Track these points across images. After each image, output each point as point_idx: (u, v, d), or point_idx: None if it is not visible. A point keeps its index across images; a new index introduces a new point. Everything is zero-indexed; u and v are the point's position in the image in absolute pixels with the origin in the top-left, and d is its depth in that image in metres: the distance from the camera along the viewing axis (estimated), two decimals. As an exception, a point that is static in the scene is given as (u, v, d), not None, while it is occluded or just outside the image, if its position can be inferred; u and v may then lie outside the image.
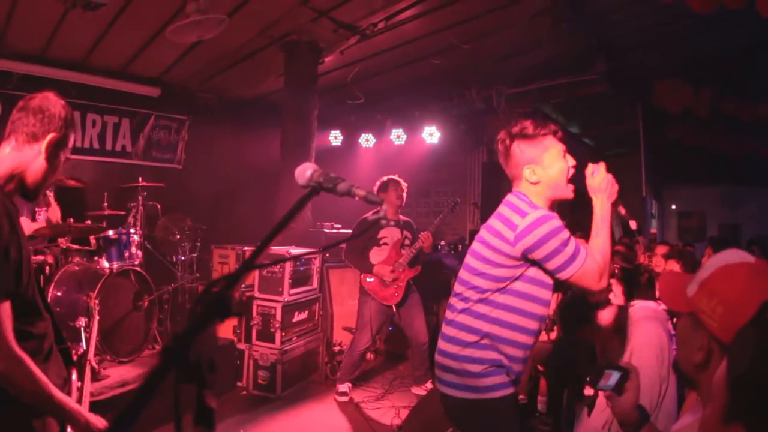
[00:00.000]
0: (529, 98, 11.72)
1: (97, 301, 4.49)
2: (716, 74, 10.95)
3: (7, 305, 2.42)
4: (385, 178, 7.97)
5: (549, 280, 3.45)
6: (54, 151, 2.72)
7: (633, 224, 3.80)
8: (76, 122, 10.05)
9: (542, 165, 3.48)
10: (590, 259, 3.32)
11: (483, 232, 3.53)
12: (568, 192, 3.55)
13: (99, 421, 2.70)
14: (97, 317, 4.27)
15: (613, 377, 2.77)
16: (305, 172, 1.83)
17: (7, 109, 8.91)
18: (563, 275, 3.30)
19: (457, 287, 3.59)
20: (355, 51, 9.73)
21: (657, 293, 3.22)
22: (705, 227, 17.31)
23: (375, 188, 7.90)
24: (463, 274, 3.58)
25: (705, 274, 2.04)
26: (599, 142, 17.23)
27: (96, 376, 3.27)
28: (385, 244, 7.91)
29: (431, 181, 13.29)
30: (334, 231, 10.04)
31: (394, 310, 7.84)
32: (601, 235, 3.47)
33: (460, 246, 11.44)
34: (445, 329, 3.62)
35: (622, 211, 3.63)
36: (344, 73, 10.70)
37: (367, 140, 13.40)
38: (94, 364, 3.32)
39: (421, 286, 8.17)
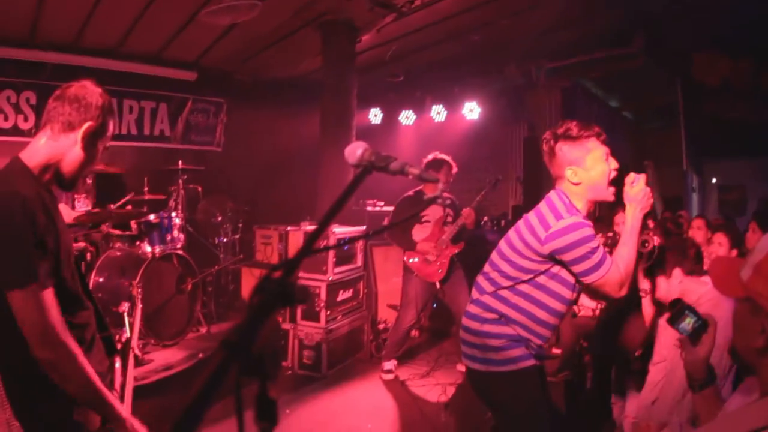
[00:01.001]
0: (569, 72, 11.59)
1: (139, 289, 4.46)
2: (755, 45, 10.76)
3: (50, 293, 2.41)
4: (439, 156, 7.89)
5: (572, 279, 3.57)
6: (91, 140, 2.68)
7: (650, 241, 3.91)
8: (114, 109, 9.95)
9: (584, 167, 3.55)
10: (614, 269, 3.42)
11: (520, 223, 3.67)
12: (608, 195, 3.63)
13: (137, 423, 2.66)
14: (140, 305, 4.26)
15: (691, 322, 2.73)
16: (356, 151, 1.78)
17: (41, 100, 8.99)
18: (586, 280, 3.44)
19: (487, 267, 3.79)
20: (393, 29, 9.64)
21: (709, 277, 3.16)
22: (745, 201, 17.05)
23: (424, 165, 7.85)
24: (494, 256, 3.78)
25: (759, 256, 1.98)
26: (639, 115, 17.06)
27: (139, 362, 3.25)
28: (427, 221, 7.85)
29: (473, 158, 13.16)
30: (377, 209, 9.99)
31: (438, 286, 7.80)
32: (628, 245, 3.54)
33: (503, 221, 11.36)
34: (469, 307, 3.80)
35: (651, 224, 3.75)
36: (382, 51, 10.63)
37: (407, 117, 13.32)
38: (137, 351, 3.31)
39: (465, 262, 8.11)
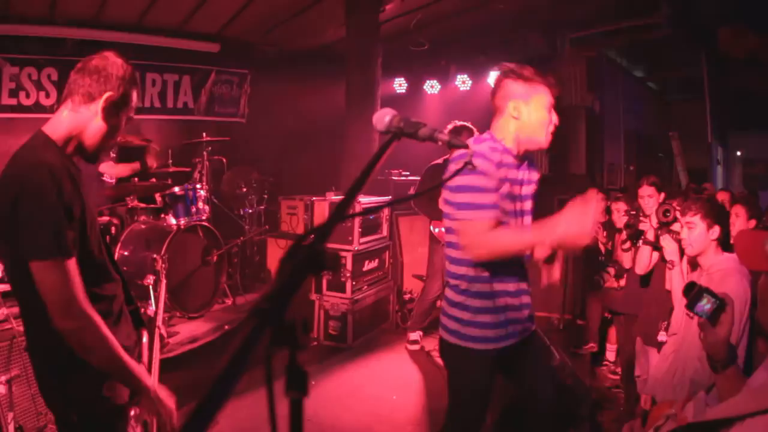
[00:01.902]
0: (593, 42, 11.52)
1: (165, 264, 4.46)
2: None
3: (73, 263, 2.41)
4: (459, 123, 7.83)
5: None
6: (112, 111, 2.65)
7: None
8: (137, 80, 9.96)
9: (527, 105, 3.42)
10: (492, 236, 3.23)
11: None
12: (543, 141, 3.51)
13: (165, 393, 2.71)
14: (164, 280, 4.26)
15: (710, 304, 2.70)
16: (384, 117, 1.76)
17: (63, 76, 9.01)
18: (455, 225, 3.38)
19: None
20: (417, -3, 9.59)
21: (734, 251, 3.11)
22: (771, 174, 16.95)
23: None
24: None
25: None
26: (663, 86, 16.94)
27: (163, 343, 3.25)
28: (453, 190, 7.80)
29: (497, 127, 13.15)
30: (402, 178, 9.95)
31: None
32: (528, 240, 3.37)
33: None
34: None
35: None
36: (406, 20, 10.57)
37: (432, 87, 13.26)
38: (162, 331, 3.32)
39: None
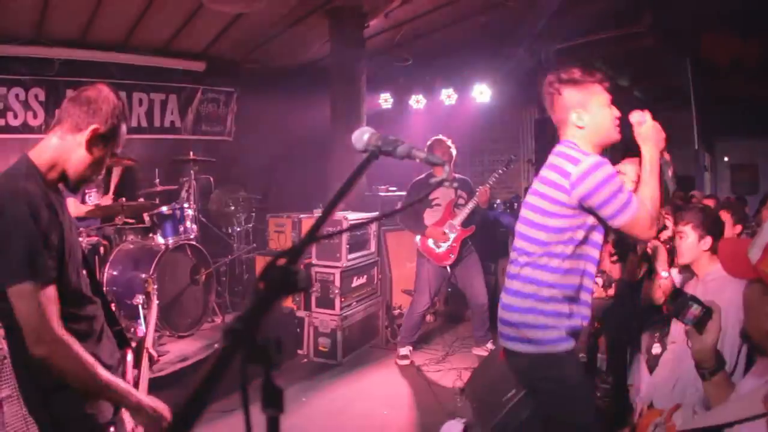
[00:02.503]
0: (578, 53, 11.54)
1: (155, 287, 4.46)
2: (765, 25, 10.69)
3: (50, 290, 2.44)
4: (436, 138, 7.89)
5: (599, 240, 3.44)
6: (96, 143, 2.69)
7: (670, 172, 3.74)
8: (127, 115, 10.02)
9: (589, 110, 3.44)
10: (642, 208, 3.27)
11: (537, 184, 3.50)
12: (615, 134, 3.53)
13: (153, 402, 2.70)
14: (155, 301, 4.26)
15: (695, 312, 2.72)
16: (362, 136, 1.77)
17: (50, 96, 9.02)
18: (616, 222, 3.27)
19: (517, 242, 3.58)
20: (400, 13, 9.61)
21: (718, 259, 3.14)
22: (757, 180, 17.00)
23: (426, 149, 7.81)
24: (521, 228, 3.56)
25: (767, 237, 1.97)
26: (649, 94, 17.01)
27: (152, 362, 3.28)
28: (438, 204, 7.84)
29: (484, 140, 13.17)
30: (390, 194, 9.97)
31: (450, 271, 7.80)
32: (650, 183, 3.41)
33: (515, 204, 11.36)
34: (509, 283, 3.60)
35: (667, 156, 3.61)
36: (391, 35, 10.61)
37: (417, 101, 13.21)
38: (152, 351, 3.35)
39: (479, 246, 8.12)
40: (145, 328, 3.57)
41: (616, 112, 3.51)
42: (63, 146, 2.65)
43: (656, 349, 4.78)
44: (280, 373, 1.05)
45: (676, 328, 4.32)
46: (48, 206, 2.50)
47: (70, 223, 2.70)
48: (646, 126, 3.49)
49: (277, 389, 1.03)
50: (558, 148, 3.51)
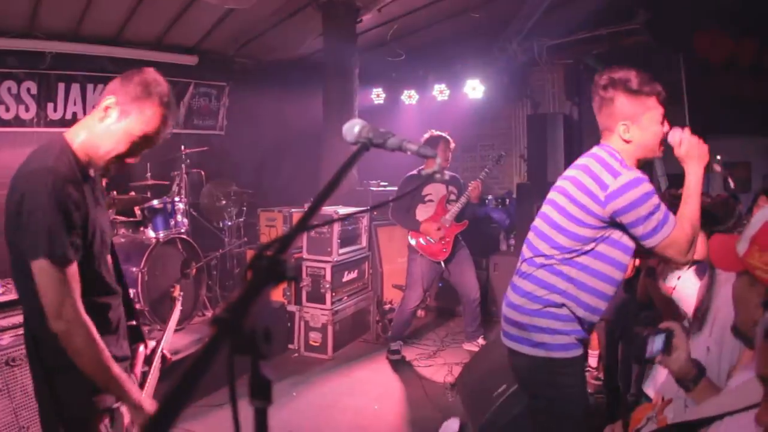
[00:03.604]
0: (571, 49, 11.54)
1: (181, 293, 4.44)
2: (758, 23, 10.70)
3: (72, 268, 2.51)
4: (435, 133, 7.88)
5: (632, 244, 3.33)
6: (121, 117, 2.70)
7: (731, 182, 3.72)
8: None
9: (639, 125, 3.30)
10: (678, 229, 3.17)
11: (567, 185, 3.37)
12: (658, 153, 3.41)
13: (150, 405, 2.71)
14: (179, 307, 4.21)
15: (658, 341, 2.73)
16: (353, 128, 1.76)
17: (42, 89, 8.97)
18: (649, 243, 3.17)
19: (536, 241, 3.49)
20: (393, 8, 9.59)
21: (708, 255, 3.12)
22: (750, 178, 17.05)
23: (422, 142, 7.80)
24: (543, 227, 3.47)
25: (753, 230, 2.00)
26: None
27: (165, 362, 3.30)
28: (431, 200, 7.85)
29: (476, 136, 13.14)
30: (381, 189, 9.96)
31: (443, 266, 7.80)
32: (691, 203, 3.30)
33: (507, 200, 11.36)
34: (520, 282, 3.50)
35: (718, 168, 3.55)
36: (383, 30, 10.59)
37: (410, 97, 13.20)
38: (166, 352, 3.37)
39: (470, 241, 8.13)
40: (163, 330, 3.57)
41: (667, 127, 3.40)
42: (99, 130, 2.69)
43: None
44: (269, 365, 1.04)
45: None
46: (76, 186, 2.58)
47: (101, 206, 2.81)
48: (686, 144, 3.38)
49: (265, 380, 1.02)
50: (598, 151, 3.37)
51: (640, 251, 3.48)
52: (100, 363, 2.55)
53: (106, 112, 2.67)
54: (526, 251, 3.55)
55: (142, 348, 3.06)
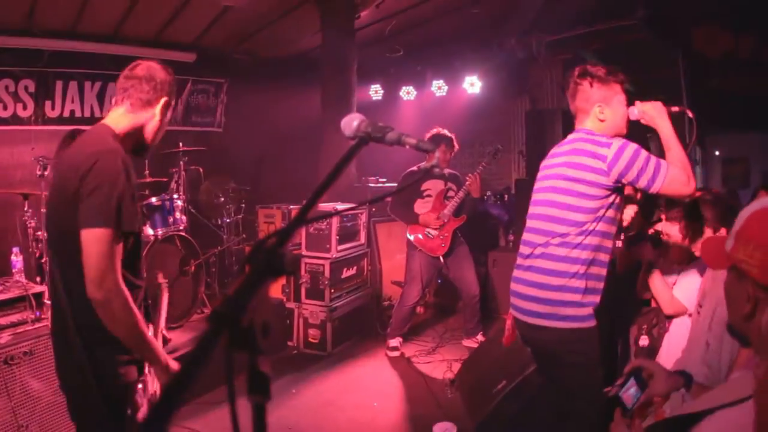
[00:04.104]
0: (569, 45, 11.53)
1: (166, 280, 4.55)
2: (757, 19, 10.70)
3: (120, 245, 2.72)
4: (441, 132, 7.88)
5: (615, 215, 3.74)
6: (165, 112, 3.14)
7: (688, 113, 4.20)
8: (113, 94, 10.13)
9: (611, 107, 3.81)
10: (673, 167, 3.58)
11: (564, 170, 3.74)
12: (624, 130, 3.89)
13: (175, 364, 2.95)
14: (166, 292, 4.35)
15: (631, 389, 2.76)
16: (352, 122, 1.76)
17: (40, 87, 8.98)
18: (655, 186, 3.56)
19: (548, 225, 3.77)
20: (391, 4, 9.58)
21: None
22: (749, 174, 17.07)
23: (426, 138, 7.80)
24: (551, 212, 3.77)
25: (738, 226, 2.02)
26: (641, 87, 17.04)
27: (165, 340, 3.48)
28: (429, 195, 7.85)
29: (475, 132, 13.13)
30: (379, 185, 9.95)
31: (442, 261, 7.79)
32: (672, 147, 3.76)
33: (506, 195, 11.36)
34: (538, 262, 3.77)
35: (675, 109, 4.01)
36: (381, 26, 10.58)
37: (408, 93, 13.21)
38: (165, 333, 3.66)
39: (469, 237, 8.12)
40: (159, 313, 3.76)
41: (631, 114, 3.92)
42: (136, 118, 3.05)
43: (644, 341, 4.80)
44: (268, 361, 1.03)
45: (679, 323, 4.36)
46: (127, 170, 2.80)
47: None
48: (644, 111, 3.89)
49: (264, 375, 1.01)
50: (581, 135, 3.82)
51: (632, 243, 4.28)
52: (137, 328, 2.73)
53: (143, 108, 3.07)
54: (536, 237, 3.84)
55: (150, 331, 3.16)
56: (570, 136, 3.95)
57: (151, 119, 3.09)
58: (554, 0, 9.62)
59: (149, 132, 3.12)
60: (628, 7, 10.04)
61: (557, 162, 3.85)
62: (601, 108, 3.79)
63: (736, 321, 2.06)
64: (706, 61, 11.76)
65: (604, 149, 3.57)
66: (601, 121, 3.80)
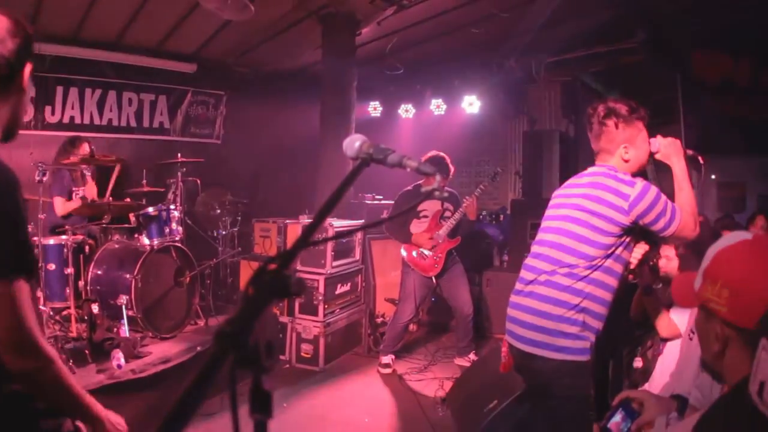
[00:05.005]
0: (568, 67, 11.58)
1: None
2: (756, 44, 10.75)
3: (26, 287, 2.02)
4: (440, 155, 7.89)
5: (626, 256, 3.76)
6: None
7: (700, 158, 4.08)
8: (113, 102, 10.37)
9: (635, 146, 3.76)
10: (685, 214, 3.59)
11: (583, 202, 3.71)
12: (645, 165, 3.90)
13: (116, 420, 2.38)
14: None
15: (619, 417, 2.77)
16: (354, 143, 1.77)
17: (41, 92, 8.99)
18: (669, 231, 3.57)
19: (558, 254, 3.72)
20: (393, 22, 9.59)
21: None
22: (744, 198, 17.09)
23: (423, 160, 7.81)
24: (564, 241, 3.72)
25: (705, 263, 2.04)
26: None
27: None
28: (425, 216, 7.86)
29: (472, 151, 13.17)
30: (376, 202, 9.96)
31: (435, 282, 7.81)
32: (684, 188, 3.73)
33: (501, 216, 11.38)
34: (541, 289, 3.72)
35: (690, 152, 3.98)
36: (382, 44, 10.60)
37: (406, 111, 13.25)
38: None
39: (464, 256, 8.14)
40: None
41: (653, 147, 3.87)
42: None
43: (638, 362, 4.81)
44: (269, 378, 1.04)
45: (672, 345, 4.37)
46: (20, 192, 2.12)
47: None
48: (663, 147, 3.83)
49: (266, 394, 1.03)
50: (603, 170, 3.79)
51: (634, 270, 4.09)
52: (69, 390, 2.15)
53: None
54: (542, 264, 3.78)
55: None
56: (591, 169, 3.91)
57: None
58: (554, 21, 9.65)
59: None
60: (628, 30, 10.09)
61: (575, 193, 3.83)
62: (626, 149, 3.75)
63: (708, 358, 2.08)
64: (705, 85, 11.81)
65: (628, 188, 3.57)
66: (626, 161, 3.77)
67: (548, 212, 4.00)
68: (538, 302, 3.69)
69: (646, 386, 4.47)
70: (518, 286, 3.91)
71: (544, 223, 3.98)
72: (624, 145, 3.74)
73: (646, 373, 4.65)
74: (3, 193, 2.02)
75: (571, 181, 4.00)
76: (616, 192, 3.58)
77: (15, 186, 2.08)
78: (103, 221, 7.46)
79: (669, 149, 3.81)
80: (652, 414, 2.71)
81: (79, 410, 2.26)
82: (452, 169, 7.92)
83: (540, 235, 3.95)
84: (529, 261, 3.93)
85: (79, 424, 2.35)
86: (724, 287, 1.88)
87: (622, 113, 3.73)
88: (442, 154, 7.91)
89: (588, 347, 3.60)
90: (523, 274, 3.91)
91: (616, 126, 3.74)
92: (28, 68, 2.38)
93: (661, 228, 3.55)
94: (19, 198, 2.06)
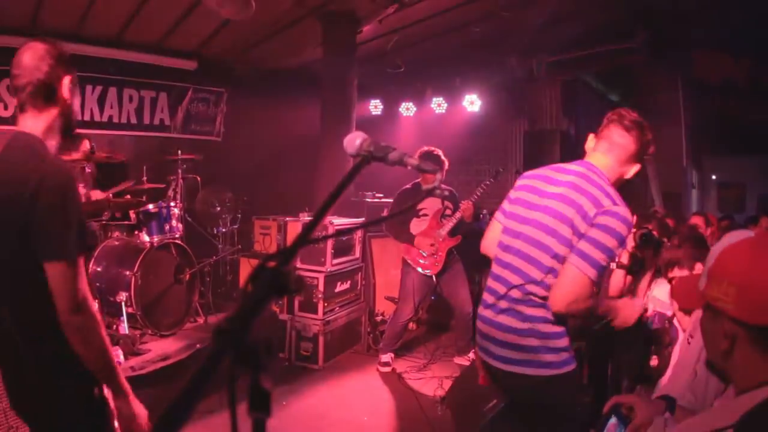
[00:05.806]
0: (569, 66, 11.57)
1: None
2: (757, 45, 10.75)
3: (82, 260, 2.53)
4: (435, 152, 7.86)
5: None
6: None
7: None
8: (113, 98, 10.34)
9: (636, 164, 3.63)
10: (592, 282, 3.23)
11: (555, 204, 3.43)
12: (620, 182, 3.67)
13: (141, 413, 2.71)
14: None
15: (611, 423, 2.76)
16: (355, 141, 1.77)
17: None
18: (574, 266, 3.23)
19: (525, 266, 3.45)
20: (394, 20, 9.60)
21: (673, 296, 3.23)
22: (744, 198, 17.12)
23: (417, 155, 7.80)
24: (529, 250, 3.47)
25: (710, 263, 2.03)
26: (639, 110, 17.06)
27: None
28: (425, 215, 7.84)
29: (472, 150, 13.16)
30: (376, 200, 9.95)
31: (435, 281, 7.79)
32: (604, 307, 3.54)
33: (502, 215, 11.37)
34: (519, 307, 3.45)
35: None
36: (383, 42, 10.61)
37: (407, 109, 13.29)
38: None
39: (464, 255, 8.11)
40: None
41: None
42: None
43: (654, 361, 4.80)
44: (269, 378, 1.04)
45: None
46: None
47: None
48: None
49: (265, 392, 1.02)
50: (588, 174, 3.49)
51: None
52: (106, 353, 2.56)
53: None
54: (511, 277, 3.50)
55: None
56: (576, 168, 3.56)
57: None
58: (555, 21, 9.65)
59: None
60: (629, 30, 10.08)
61: (551, 192, 3.51)
62: (632, 165, 3.60)
63: (715, 358, 2.08)
64: (706, 85, 11.82)
65: (608, 201, 3.30)
66: (622, 174, 3.59)
67: (515, 208, 3.69)
68: (515, 320, 3.45)
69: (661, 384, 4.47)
70: (489, 299, 3.63)
71: (508, 223, 3.72)
72: (633, 160, 3.57)
73: (660, 372, 4.63)
74: (67, 189, 2.49)
75: (549, 173, 3.68)
76: (594, 201, 3.31)
77: (74, 182, 2.55)
78: (103, 218, 7.46)
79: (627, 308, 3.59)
80: (644, 417, 2.71)
81: (111, 377, 2.63)
82: (446, 162, 7.89)
83: (505, 239, 3.68)
84: (496, 269, 3.66)
85: (106, 393, 2.69)
86: (731, 285, 1.88)
87: (626, 123, 3.55)
88: (434, 149, 7.88)
89: (572, 356, 3.46)
90: (492, 284, 3.64)
91: (637, 141, 3.54)
92: (66, 80, 2.77)
93: (579, 254, 3.23)
94: (77, 192, 2.57)
